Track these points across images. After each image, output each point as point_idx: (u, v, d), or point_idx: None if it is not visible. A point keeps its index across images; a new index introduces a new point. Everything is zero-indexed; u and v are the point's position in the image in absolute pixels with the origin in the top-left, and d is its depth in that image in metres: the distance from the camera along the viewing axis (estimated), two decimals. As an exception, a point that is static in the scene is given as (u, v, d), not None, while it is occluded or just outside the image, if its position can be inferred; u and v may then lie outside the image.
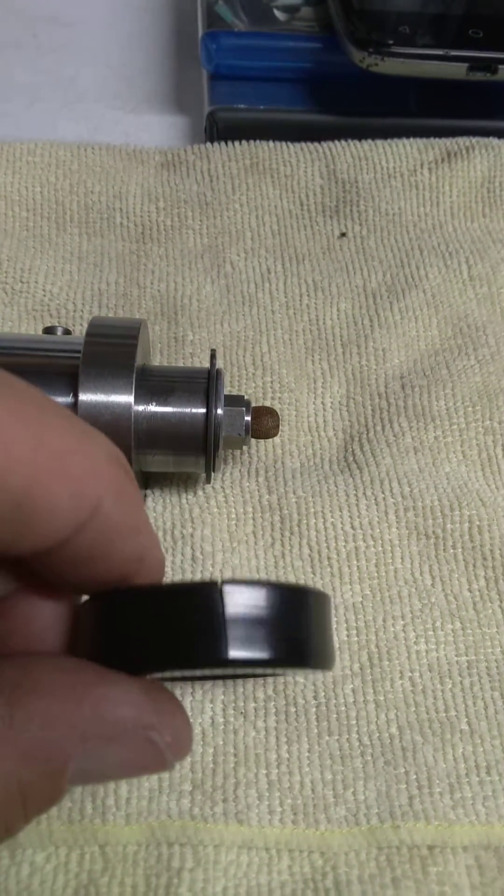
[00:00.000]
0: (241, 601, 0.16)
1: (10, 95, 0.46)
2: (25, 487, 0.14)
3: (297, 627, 0.17)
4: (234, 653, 0.16)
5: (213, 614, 0.16)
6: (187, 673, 0.19)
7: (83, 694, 0.16)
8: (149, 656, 0.16)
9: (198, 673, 0.20)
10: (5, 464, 0.14)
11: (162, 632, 0.16)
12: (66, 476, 0.15)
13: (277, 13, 0.43)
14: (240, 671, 0.18)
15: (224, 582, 0.16)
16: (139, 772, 0.17)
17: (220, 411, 0.26)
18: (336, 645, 0.27)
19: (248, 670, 0.18)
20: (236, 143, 0.39)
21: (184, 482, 0.30)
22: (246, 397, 0.28)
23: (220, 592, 0.16)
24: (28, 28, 0.51)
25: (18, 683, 0.15)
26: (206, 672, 0.19)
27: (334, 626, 0.27)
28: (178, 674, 0.19)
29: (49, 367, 0.26)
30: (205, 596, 0.16)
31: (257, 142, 0.39)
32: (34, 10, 0.52)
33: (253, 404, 0.31)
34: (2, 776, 0.15)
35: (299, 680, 0.26)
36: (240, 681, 0.26)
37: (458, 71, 0.38)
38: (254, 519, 0.29)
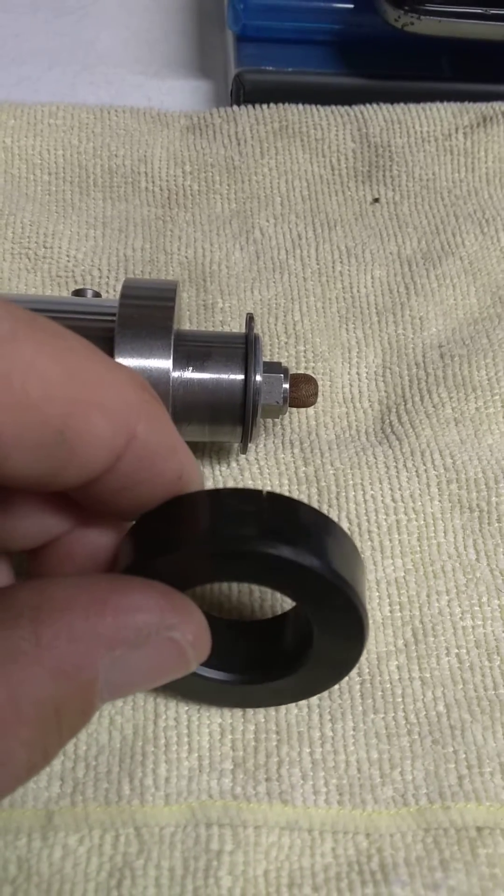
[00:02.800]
0: (281, 508, 0.17)
1: (27, 59, 0.45)
2: (64, 416, 0.14)
3: (329, 547, 0.18)
4: (275, 550, 0.16)
5: (253, 513, 0.16)
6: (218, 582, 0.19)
7: (103, 605, 0.16)
8: (186, 551, 0.16)
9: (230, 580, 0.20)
10: (43, 394, 0.14)
11: (207, 524, 0.16)
12: (101, 405, 0.15)
13: (306, -28, 0.41)
14: (269, 575, 0.18)
15: (268, 492, 0.17)
16: (165, 675, 0.17)
17: (258, 378, 0.25)
18: (379, 620, 0.26)
19: (279, 575, 0.18)
20: (264, 107, 0.38)
21: (217, 453, 0.29)
22: (284, 364, 0.27)
23: (267, 496, 0.17)
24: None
25: (38, 605, 0.15)
26: (238, 577, 0.19)
27: (377, 601, 0.26)
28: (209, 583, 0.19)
29: (82, 330, 0.24)
30: (248, 497, 0.17)
31: (286, 105, 0.38)
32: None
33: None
34: (37, 697, 0.14)
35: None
36: None
37: (498, 31, 0.36)
38: (290, 491, 0.28)
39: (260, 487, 0.28)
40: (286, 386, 0.26)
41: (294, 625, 0.22)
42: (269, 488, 0.28)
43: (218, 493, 0.18)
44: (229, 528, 0.17)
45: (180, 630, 0.17)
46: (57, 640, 0.15)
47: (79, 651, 0.15)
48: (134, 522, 0.18)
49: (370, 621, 0.25)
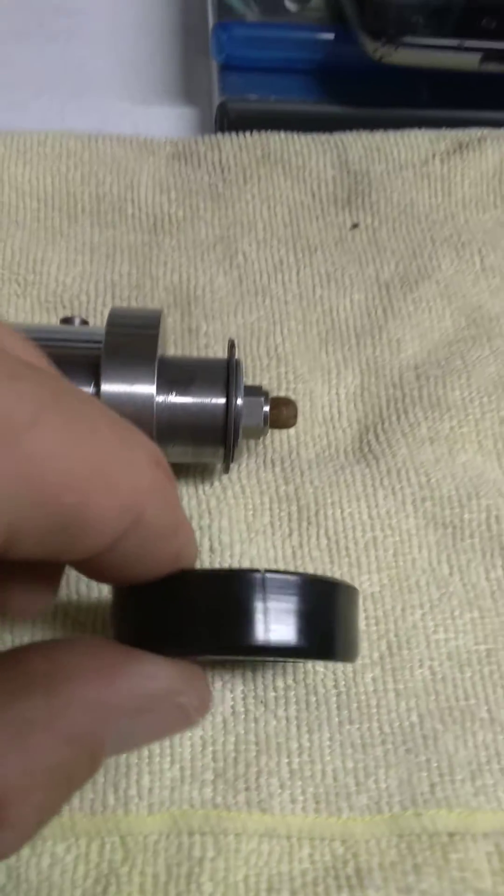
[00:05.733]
0: (280, 590, 0.16)
1: (16, 85, 0.46)
2: (77, 505, 0.14)
3: (328, 620, 0.18)
4: (275, 639, 0.16)
5: (253, 601, 0.16)
6: (219, 657, 0.19)
7: (113, 673, 0.16)
8: (188, 640, 0.16)
9: (229, 657, 0.20)
10: (60, 486, 0.14)
11: (202, 617, 0.16)
12: (113, 490, 0.15)
13: (288, 3, 0.43)
14: (269, 657, 0.19)
15: (266, 571, 0.16)
16: (167, 734, 0.18)
17: (239, 401, 0.26)
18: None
19: (279, 657, 0.19)
20: (247, 134, 0.39)
21: (200, 473, 0.30)
22: (264, 388, 0.28)
23: (263, 580, 0.16)
24: (34, 16, 0.50)
25: (50, 672, 0.16)
26: (238, 656, 0.19)
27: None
28: (210, 657, 0.19)
29: (70, 357, 0.26)
30: (247, 582, 0.16)
31: (269, 133, 0.39)
32: (40, 1, 0.51)
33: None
34: (49, 764, 0.15)
35: (319, 669, 0.26)
36: (259, 669, 0.26)
37: (471, 62, 0.38)
38: (271, 509, 0.29)
39: (242, 504, 0.29)
40: (266, 409, 0.27)
41: None
42: (249, 507, 0.29)
43: (216, 578, 0.17)
44: (231, 626, 0.17)
45: (187, 696, 0.17)
46: (69, 709, 0.15)
47: (90, 719, 0.16)
48: (121, 590, 0.19)
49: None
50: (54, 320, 0.34)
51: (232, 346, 0.27)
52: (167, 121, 0.44)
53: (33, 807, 0.15)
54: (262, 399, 0.27)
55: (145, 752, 0.24)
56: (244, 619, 0.16)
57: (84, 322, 0.28)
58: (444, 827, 0.24)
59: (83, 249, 0.36)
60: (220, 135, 0.39)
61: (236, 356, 0.27)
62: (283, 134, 0.39)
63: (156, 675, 0.17)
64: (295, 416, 0.28)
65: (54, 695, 0.15)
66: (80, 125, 0.44)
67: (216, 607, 0.17)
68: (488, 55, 0.37)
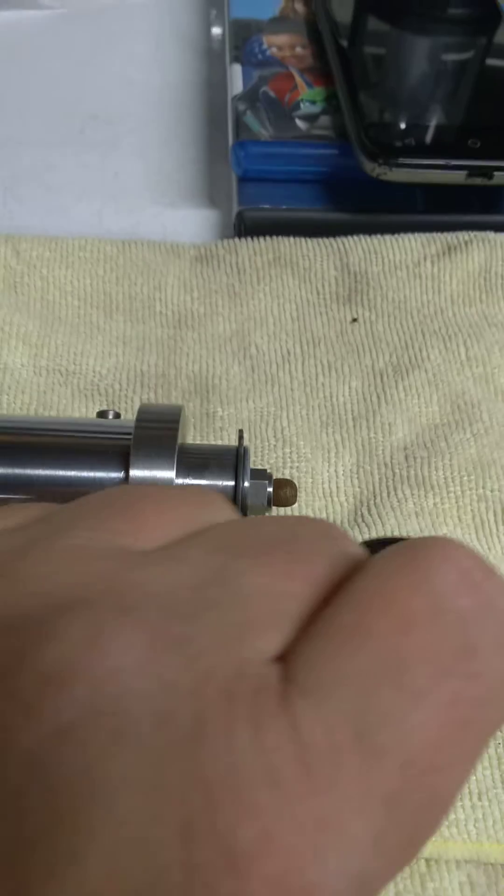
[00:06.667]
0: None
1: (59, 190, 0.52)
2: None
3: None
4: None
5: None
6: None
7: None
8: None
9: None
10: None
11: None
12: None
13: (299, 122, 0.49)
14: None
15: None
16: None
17: (246, 484, 0.31)
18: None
19: None
20: (261, 239, 0.44)
21: (215, 542, 0.34)
22: (268, 470, 0.33)
23: None
24: (76, 124, 0.57)
25: None
26: None
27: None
28: None
29: (104, 447, 0.31)
30: None
31: (279, 238, 0.44)
32: (80, 108, 0.58)
33: (274, 475, 0.36)
34: None
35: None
36: None
37: (457, 178, 0.43)
38: (276, 574, 0.34)
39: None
40: (270, 490, 0.32)
41: None
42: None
43: None
44: None
45: None
46: None
47: None
48: None
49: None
50: (92, 406, 0.39)
51: (241, 436, 0.32)
52: (193, 223, 0.50)
53: None
54: (266, 482, 0.32)
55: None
56: None
57: (117, 415, 0.34)
58: (420, 852, 0.28)
59: (117, 343, 0.41)
60: (237, 240, 0.45)
61: (245, 443, 0.32)
62: (292, 239, 0.44)
63: None
64: (295, 496, 0.32)
65: None
66: (115, 227, 0.50)
67: None
68: (472, 171, 0.43)
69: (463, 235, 0.45)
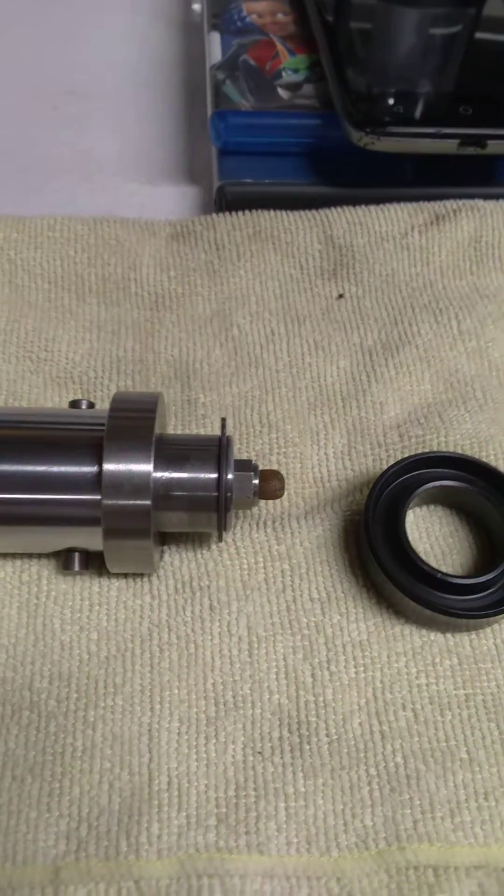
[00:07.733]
0: None
1: (33, 169, 0.50)
2: None
3: None
4: None
5: None
6: None
7: None
8: None
9: None
10: None
11: None
12: None
13: (280, 91, 0.46)
14: None
15: None
16: None
17: (230, 476, 0.29)
18: (346, 681, 0.29)
19: None
20: (240, 213, 0.42)
21: (198, 538, 0.32)
22: (254, 461, 0.31)
23: None
24: (49, 100, 0.54)
25: None
26: None
27: (343, 664, 0.30)
28: None
29: (76, 439, 0.28)
30: None
31: (259, 211, 0.42)
32: (54, 84, 0.55)
33: (260, 463, 0.34)
34: None
35: (312, 719, 0.28)
36: (258, 722, 0.28)
37: (449, 147, 0.40)
38: (265, 568, 0.32)
39: (237, 564, 0.31)
40: (256, 482, 0.30)
41: None
42: (244, 566, 0.32)
43: None
44: None
45: None
46: None
47: None
48: None
49: (337, 684, 0.28)
50: (65, 395, 0.37)
51: (224, 424, 0.30)
52: (172, 200, 0.48)
53: None
54: (252, 473, 0.30)
55: (155, 802, 0.27)
56: None
57: (91, 404, 0.31)
58: (426, 860, 0.26)
59: (90, 327, 0.39)
60: (214, 215, 0.42)
61: (228, 432, 0.30)
62: (272, 212, 0.42)
63: None
64: (283, 488, 0.30)
65: None
66: (91, 205, 0.47)
67: None
68: (465, 140, 0.40)
69: (451, 204, 0.42)
